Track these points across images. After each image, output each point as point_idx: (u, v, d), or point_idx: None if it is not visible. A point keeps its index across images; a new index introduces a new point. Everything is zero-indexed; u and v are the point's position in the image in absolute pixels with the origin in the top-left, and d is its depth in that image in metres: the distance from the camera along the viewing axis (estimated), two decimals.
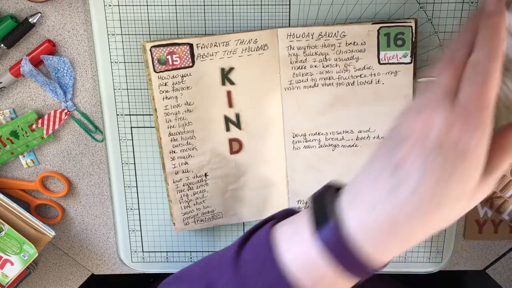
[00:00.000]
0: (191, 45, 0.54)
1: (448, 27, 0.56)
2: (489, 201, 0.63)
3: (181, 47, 0.54)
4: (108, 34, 0.57)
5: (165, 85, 0.55)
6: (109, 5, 0.56)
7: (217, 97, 0.56)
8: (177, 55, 0.54)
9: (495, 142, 0.36)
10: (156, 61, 0.54)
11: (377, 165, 0.37)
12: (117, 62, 0.58)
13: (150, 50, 0.54)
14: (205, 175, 0.59)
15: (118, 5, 0.56)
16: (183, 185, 0.59)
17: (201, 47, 0.54)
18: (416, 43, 0.54)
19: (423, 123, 0.35)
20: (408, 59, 0.54)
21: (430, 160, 0.34)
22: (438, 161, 0.34)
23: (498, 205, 0.63)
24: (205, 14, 0.56)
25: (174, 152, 0.58)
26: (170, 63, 0.54)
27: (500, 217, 0.64)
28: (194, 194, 0.60)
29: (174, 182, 0.59)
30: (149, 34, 0.57)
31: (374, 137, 0.58)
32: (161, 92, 0.55)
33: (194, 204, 0.60)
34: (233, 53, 0.55)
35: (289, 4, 0.56)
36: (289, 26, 0.56)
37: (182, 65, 0.54)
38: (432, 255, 0.66)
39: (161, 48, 0.54)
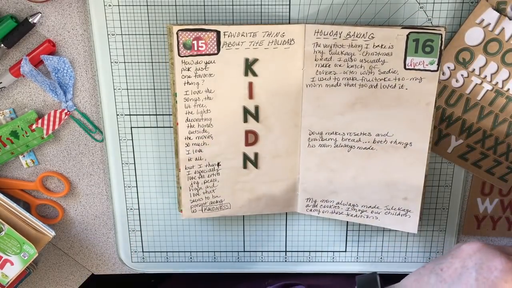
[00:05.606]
0: (218, 32, 0.54)
1: (448, 27, 0.56)
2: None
3: (208, 33, 0.53)
4: (108, 34, 0.57)
5: (188, 70, 0.55)
6: (109, 5, 0.56)
7: (239, 88, 0.56)
8: (203, 41, 0.54)
9: None
10: (181, 45, 0.54)
11: (423, 270, 0.49)
12: (117, 62, 0.58)
13: (177, 33, 0.53)
14: (218, 164, 0.59)
15: (118, 5, 0.56)
16: (195, 173, 0.59)
17: (228, 36, 0.54)
18: (442, 52, 0.53)
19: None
20: (434, 67, 0.53)
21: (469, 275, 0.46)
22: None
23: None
24: (205, 14, 0.56)
25: (190, 139, 0.57)
26: (195, 48, 0.54)
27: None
28: (204, 183, 0.60)
29: (186, 169, 0.58)
30: (149, 34, 0.57)
31: (391, 142, 0.57)
32: (183, 76, 0.55)
33: (204, 193, 0.60)
34: (259, 45, 0.55)
35: (289, 4, 0.56)
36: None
37: (207, 52, 0.54)
38: (432, 255, 0.66)
39: (188, 32, 0.53)
